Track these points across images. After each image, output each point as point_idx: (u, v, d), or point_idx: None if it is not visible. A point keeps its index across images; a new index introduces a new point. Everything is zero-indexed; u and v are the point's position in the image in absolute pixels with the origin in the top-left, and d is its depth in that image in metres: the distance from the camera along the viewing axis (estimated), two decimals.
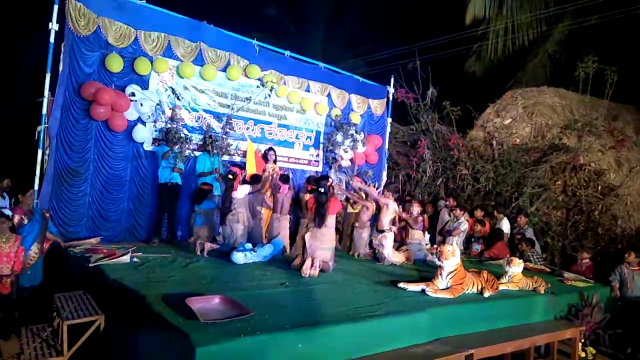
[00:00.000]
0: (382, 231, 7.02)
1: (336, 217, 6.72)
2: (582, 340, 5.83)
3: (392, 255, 6.95)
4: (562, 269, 7.70)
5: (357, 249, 7.44)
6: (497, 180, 9.87)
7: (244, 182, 7.29)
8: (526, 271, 6.40)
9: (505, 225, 8.48)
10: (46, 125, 6.66)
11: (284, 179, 7.40)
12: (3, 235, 5.08)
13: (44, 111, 6.66)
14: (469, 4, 13.70)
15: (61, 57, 6.77)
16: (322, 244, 5.83)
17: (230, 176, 6.93)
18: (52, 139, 6.66)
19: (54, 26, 6.66)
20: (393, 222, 7.23)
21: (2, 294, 5.08)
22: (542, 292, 5.90)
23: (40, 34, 6.80)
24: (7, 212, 5.37)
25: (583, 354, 5.80)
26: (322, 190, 5.98)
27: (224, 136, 8.08)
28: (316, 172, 9.85)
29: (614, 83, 9.51)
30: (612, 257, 7.92)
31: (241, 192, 6.90)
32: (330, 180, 6.70)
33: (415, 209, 7.66)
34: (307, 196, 6.24)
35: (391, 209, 7.08)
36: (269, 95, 8.88)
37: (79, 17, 6.74)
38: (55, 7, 6.64)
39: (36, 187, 6.53)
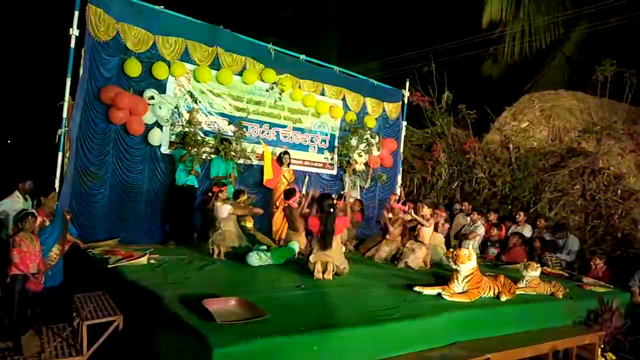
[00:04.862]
0: (422, 242, 7.00)
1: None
2: (602, 346, 5.73)
3: (413, 260, 6.92)
4: (581, 274, 7.59)
5: (380, 255, 7.38)
6: (514, 185, 9.78)
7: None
8: (544, 276, 6.33)
9: (527, 231, 8.40)
10: (67, 129, 6.78)
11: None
12: (32, 234, 5.19)
13: (65, 115, 6.78)
14: (485, 7, 13.63)
15: (81, 61, 6.89)
16: (329, 257, 5.77)
17: (210, 194, 6.84)
18: (72, 142, 6.77)
19: (74, 32, 6.78)
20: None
21: (36, 291, 5.20)
22: (561, 297, 5.83)
23: (61, 39, 6.94)
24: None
25: None
26: (329, 210, 5.82)
27: (236, 139, 8.13)
28: (330, 175, 9.88)
29: (634, 86, 9.38)
30: (632, 262, 7.78)
31: (223, 211, 6.54)
32: (333, 198, 6.44)
33: (442, 215, 7.65)
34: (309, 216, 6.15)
35: (432, 226, 7.09)
36: (280, 99, 8.92)
37: (99, 22, 6.86)
38: (76, 13, 6.75)
39: (57, 189, 6.64)
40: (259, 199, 8.31)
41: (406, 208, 7.48)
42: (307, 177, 8.94)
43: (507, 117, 11.33)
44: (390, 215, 7.57)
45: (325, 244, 5.70)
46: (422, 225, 7.02)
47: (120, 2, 7.08)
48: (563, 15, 13.24)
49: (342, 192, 9.20)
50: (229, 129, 8.24)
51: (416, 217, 7.06)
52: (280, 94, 8.83)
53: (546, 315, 5.61)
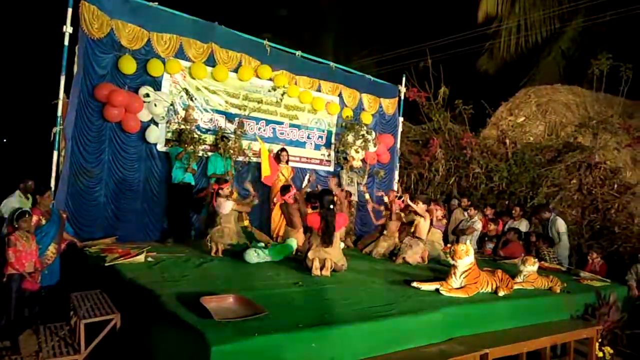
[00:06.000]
0: (420, 239, 7.00)
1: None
2: (599, 340, 5.74)
3: (411, 256, 6.92)
4: (578, 268, 7.62)
5: (378, 251, 7.36)
6: (511, 180, 9.79)
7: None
8: (541, 270, 6.34)
9: (523, 226, 8.41)
10: (61, 127, 6.74)
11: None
12: (29, 233, 5.17)
13: (59, 113, 6.74)
14: (481, 2, 13.64)
15: (75, 59, 6.85)
16: (327, 254, 5.76)
17: (211, 190, 6.86)
18: (67, 141, 6.73)
19: (68, 29, 6.74)
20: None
21: (32, 291, 5.20)
22: (558, 291, 5.84)
23: (54, 37, 6.90)
24: None
25: (600, 354, 5.71)
26: (330, 206, 5.75)
27: (236, 138, 8.11)
28: (327, 171, 9.85)
29: (630, 80, 9.39)
30: (629, 256, 7.81)
31: (226, 207, 6.52)
32: (334, 194, 6.32)
33: (440, 212, 7.65)
34: (309, 211, 6.13)
35: (428, 220, 7.09)
36: (281, 99, 8.93)
37: (93, 20, 6.82)
38: (69, 10, 6.72)
39: (52, 187, 6.60)
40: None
41: (402, 202, 7.47)
42: (308, 174, 8.90)
43: (503, 112, 11.34)
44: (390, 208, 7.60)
45: (326, 241, 5.69)
46: (419, 215, 7.01)
47: None
48: (559, 10, 13.26)
49: (342, 188, 9.19)
50: (227, 127, 8.21)
51: (412, 205, 7.04)
52: (282, 94, 8.84)
53: (544, 310, 5.61)
